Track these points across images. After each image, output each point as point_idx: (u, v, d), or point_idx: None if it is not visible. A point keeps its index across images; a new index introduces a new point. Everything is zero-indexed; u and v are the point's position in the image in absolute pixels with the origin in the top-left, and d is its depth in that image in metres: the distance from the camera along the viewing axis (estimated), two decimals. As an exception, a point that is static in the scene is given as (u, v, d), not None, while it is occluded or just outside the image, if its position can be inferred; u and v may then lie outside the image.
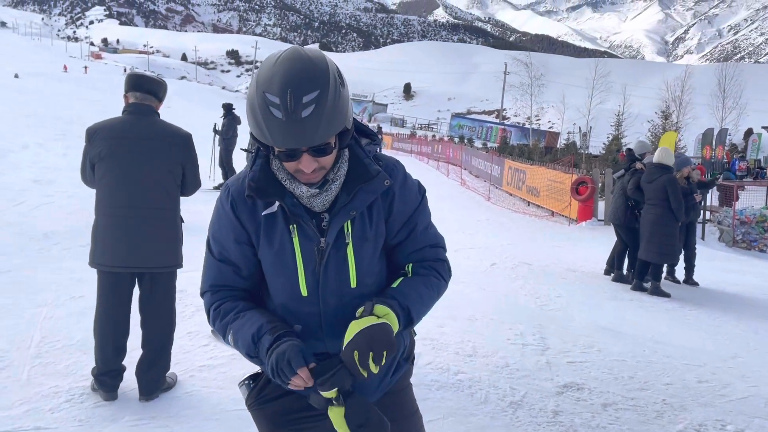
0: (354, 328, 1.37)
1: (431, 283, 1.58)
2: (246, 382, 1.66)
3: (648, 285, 7.38)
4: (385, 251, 1.62)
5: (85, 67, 74.97)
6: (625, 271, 7.80)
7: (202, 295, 1.63)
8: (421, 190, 1.64)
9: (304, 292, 1.52)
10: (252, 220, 1.53)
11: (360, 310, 1.42)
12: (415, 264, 1.60)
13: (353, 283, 1.53)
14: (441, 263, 1.64)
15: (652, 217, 7.10)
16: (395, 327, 1.41)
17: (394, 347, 1.36)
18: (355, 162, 1.52)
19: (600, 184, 13.77)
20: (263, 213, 1.52)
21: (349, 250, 1.51)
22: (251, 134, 1.44)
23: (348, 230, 1.51)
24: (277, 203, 1.51)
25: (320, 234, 1.51)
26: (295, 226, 1.50)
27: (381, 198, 1.55)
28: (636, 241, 7.44)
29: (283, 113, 1.31)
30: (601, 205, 13.53)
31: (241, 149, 4.46)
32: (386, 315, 1.41)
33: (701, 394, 4.15)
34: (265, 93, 1.32)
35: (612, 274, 7.90)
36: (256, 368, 1.67)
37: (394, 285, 1.54)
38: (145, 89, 3.46)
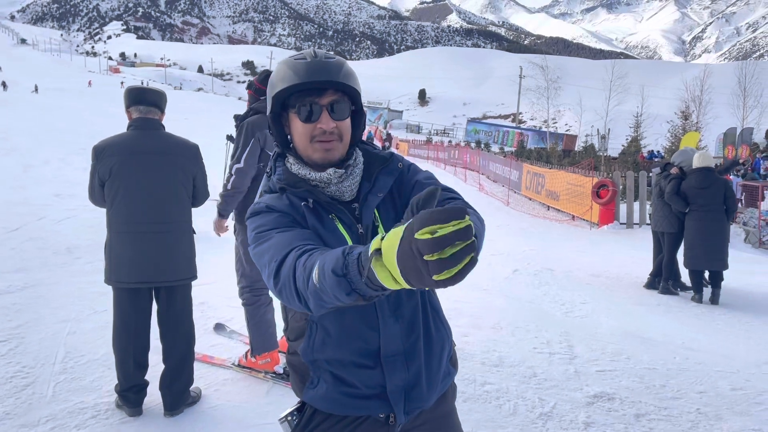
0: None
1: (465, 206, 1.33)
2: (288, 418, 1.58)
3: (675, 288, 7.26)
4: None
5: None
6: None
7: (280, 265, 1.30)
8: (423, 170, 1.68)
9: None
10: (294, 211, 1.50)
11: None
12: None
13: None
14: (461, 201, 1.49)
15: (718, 224, 6.96)
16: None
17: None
18: (368, 155, 1.63)
19: (621, 187, 13.60)
20: (302, 203, 1.52)
21: (381, 231, 1.52)
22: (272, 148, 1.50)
23: (377, 215, 1.55)
24: (311, 200, 1.52)
25: (356, 221, 1.54)
26: (334, 215, 1.52)
27: (397, 183, 1.61)
28: (676, 249, 7.32)
29: (309, 58, 1.47)
30: (623, 208, 13.36)
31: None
32: None
33: (736, 403, 4.03)
34: (292, 57, 1.50)
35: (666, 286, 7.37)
36: (281, 389, 1.62)
37: None
38: (148, 102, 3.45)
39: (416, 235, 0.89)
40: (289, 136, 1.58)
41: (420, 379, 1.55)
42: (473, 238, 0.89)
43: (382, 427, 1.54)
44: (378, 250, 1.00)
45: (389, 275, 0.97)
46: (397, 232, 0.95)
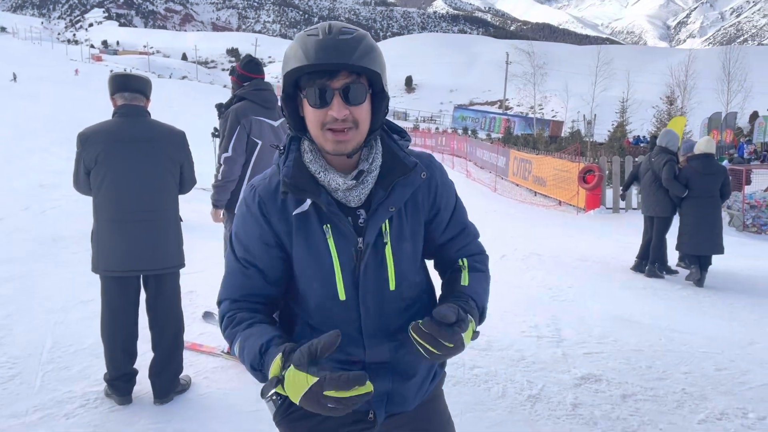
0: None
1: (487, 278, 1.59)
2: (273, 397, 1.58)
3: (661, 272, 7.35)
4: (431, 249, 1.58)
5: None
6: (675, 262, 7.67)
7: (221, 302, 1.49)
8: (452, 182, 1.62)
9: (342, 296, 1.42)
10: (283, 220, 1.43)
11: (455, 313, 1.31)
12: (469, 258, 1.59)
13: (392, 286, 1.44)
14: (486, 257, 1.64)
15: (712, 210, 7.08)
16: (470, 334, 1.36)
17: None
18: (390, 155, 1.46)
19: (607, 172, 13.69)
20: (294, 212, 1.41)
21: (388, 250, 1.43)
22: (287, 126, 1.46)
23: (386, 229, 1.43)
24: (308, 202, 1.40)
25: (356, 233, 1.41)
26: (329, 225, 1.40)
27: (423, 194, 1.49)
28: (665, 233, 7.40)
29: (321, 34, 1.31)
30: (609, 193, 13.45)
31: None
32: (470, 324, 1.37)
33: (721, 383, 4.10)
34: (305, 32, 1.34)
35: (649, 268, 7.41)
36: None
37: (465, 282, 1.51)
38: (133, 88, 3.40)
39: (325, 393, 1.14)
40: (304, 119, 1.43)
41: (405, 388, 1.51)
42: (367, 399, 1.16)
43: (361, 416, 1.52)
44: (278, 379, 1.22)
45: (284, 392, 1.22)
46: (301, 382, 1.17)
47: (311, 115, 1.36)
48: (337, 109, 1.32)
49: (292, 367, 1.19)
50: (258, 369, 1.31)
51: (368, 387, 1.18)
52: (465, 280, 1.51)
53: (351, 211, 1.43)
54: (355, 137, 1.37)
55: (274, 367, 1.23)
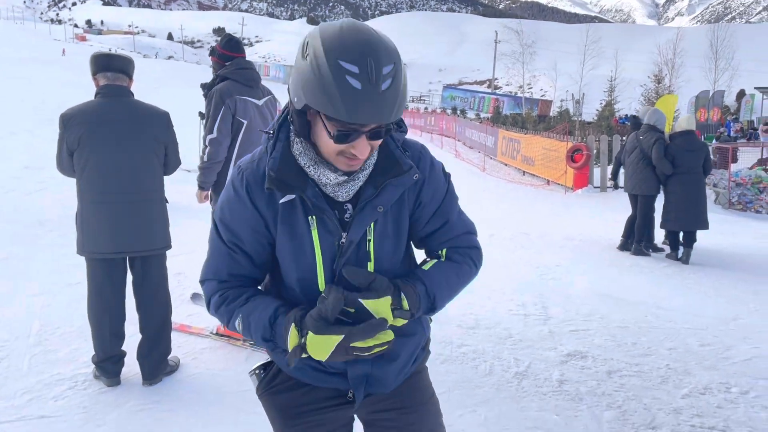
0: (377, 307, 1.31)
1: (463, 272, 1.51)
2: (256, 371, 1.61)
3: (647, 250, 7.41)
4: (413, 242, 1.56)
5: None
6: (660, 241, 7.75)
7: (204, 281, 1.50)
8: (446, 175, 1.54)
9: (322, 287, 1.41)
10: (270, 207, 1.41)
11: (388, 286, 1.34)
12: (449, 249, 1.53)
13: None
14: (476, 251, 1.56)
15: (697, 186, 7.14)
16: (398, 312, 1.36)
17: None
18: (386, 153, 1.41)
19: (595, 151, 13.73)
20: (281, 201, 1.39)
21: (370, 247, 1.42)
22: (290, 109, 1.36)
23: (370, 226, 1.42)
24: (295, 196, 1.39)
25: (341, 227, 1.39)
26: (314, 217, 1.38)
27: (409, 190, 1.45)
28: (652, 211, 7.45)
29: (363, 83, 1.18)
30: (597, 172, 13.50)
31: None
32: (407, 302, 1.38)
33: (705, 358, 4.16)
34: (340, 61, 1.18)
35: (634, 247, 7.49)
36: (260, 356, 1.63)
37: (426, 267, 1.48)
38: (115, 68, 3.35)
39: (352, 344, 1.25)
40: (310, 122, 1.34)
41: (385, 371, 1.52)
42: (389, 345, 1.29)
43: (341, 393, 1.53)
44: (300, 347, 1.28)
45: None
46: (327, 343, 1.25)
47: (328, 143, 1.29)
48: (361, 149, 1.28)
49: (310, 334, 1.26)
50: (269, 340, 1.37)
51: (389, 335, 1.29)
52: (427, 265, 1.49)
53: (338, 204, 1.41)
54: (368, 157, 1.37)
55: (292, 338, 1.30)
